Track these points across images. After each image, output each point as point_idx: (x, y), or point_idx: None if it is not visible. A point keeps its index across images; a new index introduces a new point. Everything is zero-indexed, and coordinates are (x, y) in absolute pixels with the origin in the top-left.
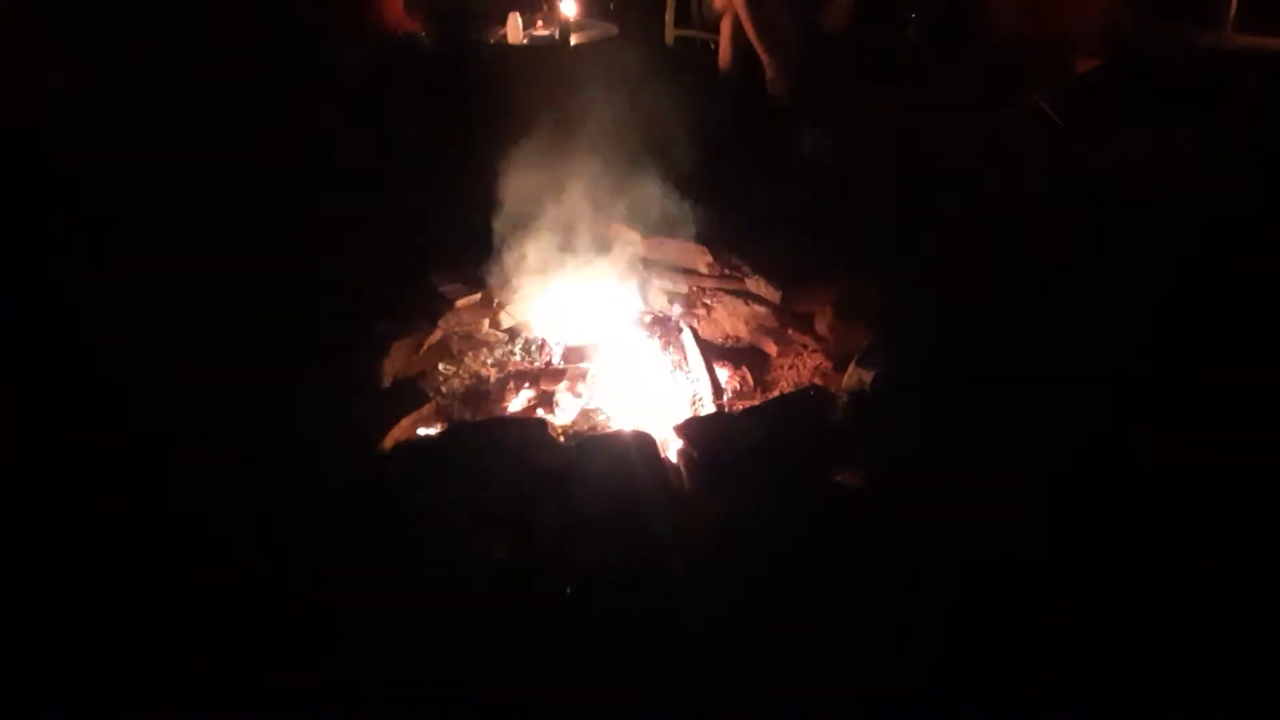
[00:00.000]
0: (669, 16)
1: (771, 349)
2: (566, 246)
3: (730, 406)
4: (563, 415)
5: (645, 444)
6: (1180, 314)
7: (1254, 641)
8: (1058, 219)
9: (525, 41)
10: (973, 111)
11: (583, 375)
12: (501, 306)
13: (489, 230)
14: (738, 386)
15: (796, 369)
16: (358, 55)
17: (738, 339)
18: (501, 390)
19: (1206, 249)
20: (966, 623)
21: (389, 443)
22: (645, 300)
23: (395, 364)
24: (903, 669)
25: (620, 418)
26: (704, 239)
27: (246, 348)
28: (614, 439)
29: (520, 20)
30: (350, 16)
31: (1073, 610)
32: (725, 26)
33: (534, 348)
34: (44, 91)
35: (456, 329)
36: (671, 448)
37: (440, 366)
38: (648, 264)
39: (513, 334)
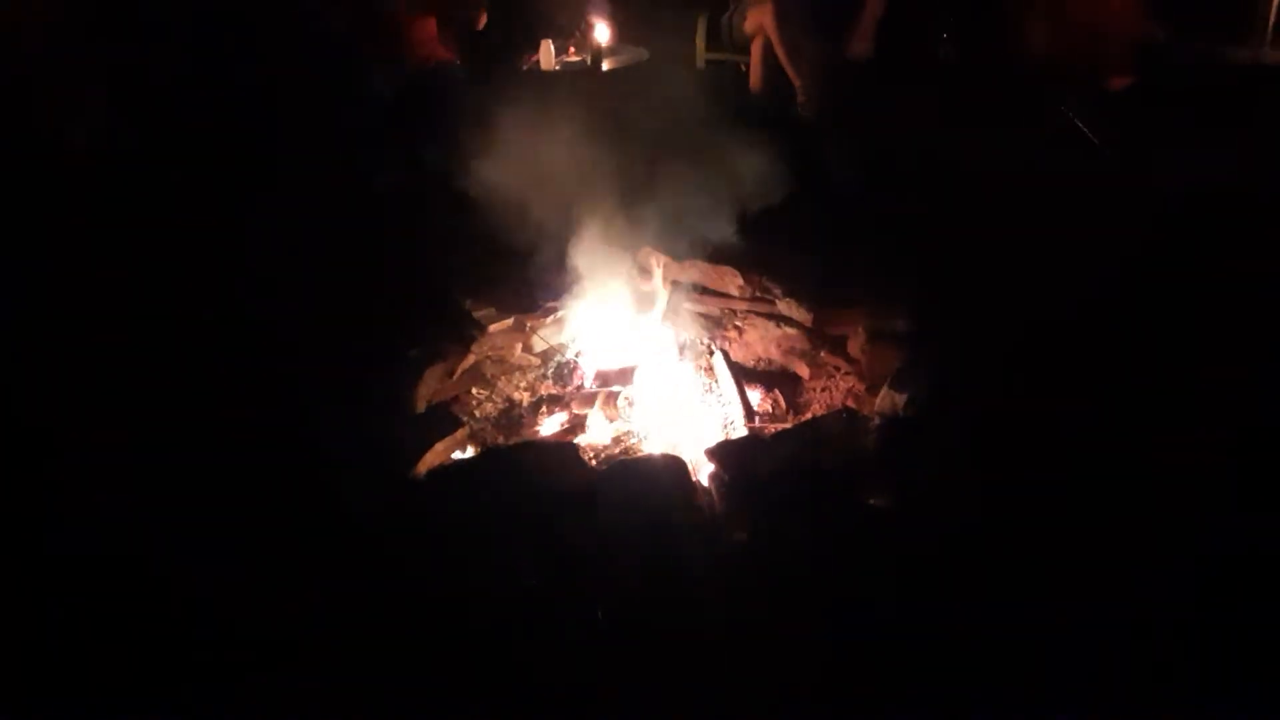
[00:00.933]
0: (700, 40)
1: (804, 371)
2: (598, 270)
3: (762, 429)
4: (595, 438)
5: (676, 467)
6: (1214, 334)
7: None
8: (1092, 238)
9: (558, 68)
10: (1006, 131)
11: (615, 398)
12: (534, 330)
13: (522, 254)
14: (770, 409)
15: (829, 392)
16: (391, 82)
17: (769, 361)
18: (534, 414)
19: (1242, 267)
20: (1002, 647)
21: (423, 467)
22: (677, 323)
23: (429, 389)
24: (937, 694)
25: (652, 441)
26: (735, 261)
27: (281, 374)
28: (645, 462)
29: (552, 47)
30: (383, 44)
31: (1105, 629)
32: (756, 49)
33: (566, 371)
34: (78, 110)
35: (489, 353)
36: (703, 471)
37: (473, 391)
38: (679, 286)
39: (545, 358)
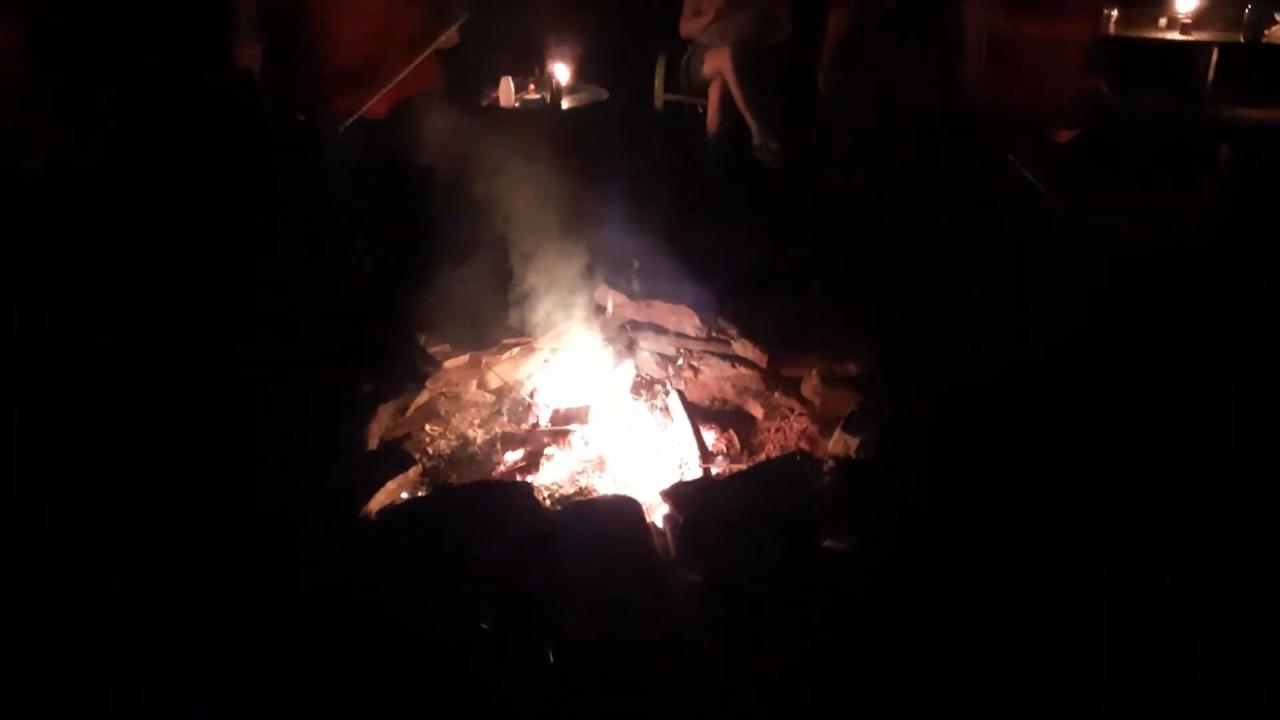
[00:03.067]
0: (658, 81)
1: (758, 412)
2: (554, 308)
3: (717, 471)
4: (550, 478)
5: (631, 510)
6: (1160, 373)
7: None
8: (1040, 283)
9: (517, 105)
10: (956, 178)
11: (569, 438)
12: (489, 368)
13: (477, 292)
14: (724, 449)
15: (783, 432)
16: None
17: (724, 401)
18: (489, 452)
19: (1182, 311)
20: (960, 686)
21: (374, 506)
22: (632, 362)
23: (381, 425)
24: None
25: (607, 481)
26: (691, 301)
27: (229, 409)
28: (600, 504)
29: (512, 84)
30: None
31: (1063, 670)
32: (713, 92)
33: (521, 409)
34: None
35: (444, 390)
36: (658, 512)
37: (427, 428)
38: (635, 326)
39: (500, 395)
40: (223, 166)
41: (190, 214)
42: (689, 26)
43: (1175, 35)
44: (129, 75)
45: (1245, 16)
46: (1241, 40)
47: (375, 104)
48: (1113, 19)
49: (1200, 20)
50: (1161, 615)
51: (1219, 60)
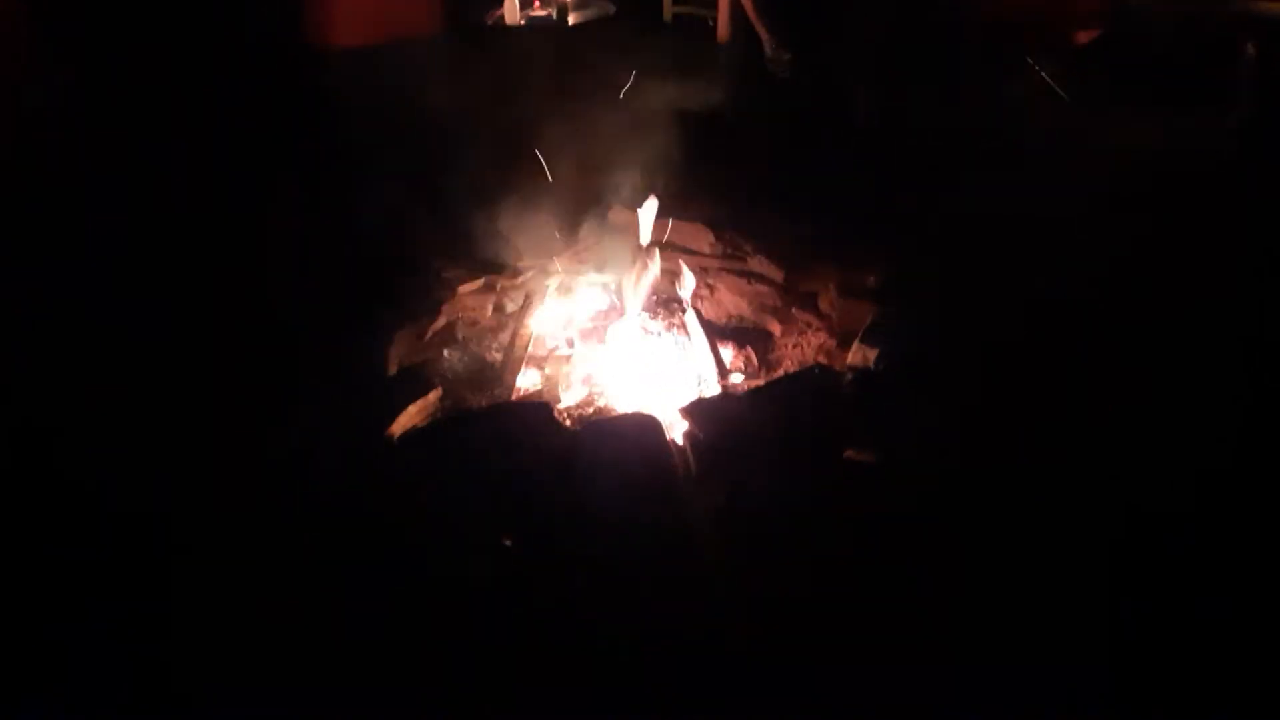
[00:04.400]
0: None
1: (775, 328)
2: (568, 230)
3: (735, 387)
4: (568, 399)
5: (650, 427)
6: (1179, 294)
7: None
8: (1061, 195)
9: (523, 23)
10: (976, 86)
11: (587, 358)
12: (505, 291)
13: (491, 215)
14: (742, 366)
15: (801, 348)
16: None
17: (741, 318)
18: (507, 375)
19: (1208, 226)
20: (982, 601)
21: (395, 430)
22: (649, 281)
23: (400, 351)
24: (917, 652)
25: (626, 400)
26: (706, 219)
27: (250, 337)
28: (619, 422)
29: (517, 1)
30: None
31: (1082, 585)
32: (723, 3)
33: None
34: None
35: (461, 315)
36: (677, 430)
37: (445, 353)
38: (650, 245)
39: (516, 318)
40: (235, 101)
41: (206, 150)
42: None
43: None
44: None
45: None
46: None
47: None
48: None
49: None
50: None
51: None
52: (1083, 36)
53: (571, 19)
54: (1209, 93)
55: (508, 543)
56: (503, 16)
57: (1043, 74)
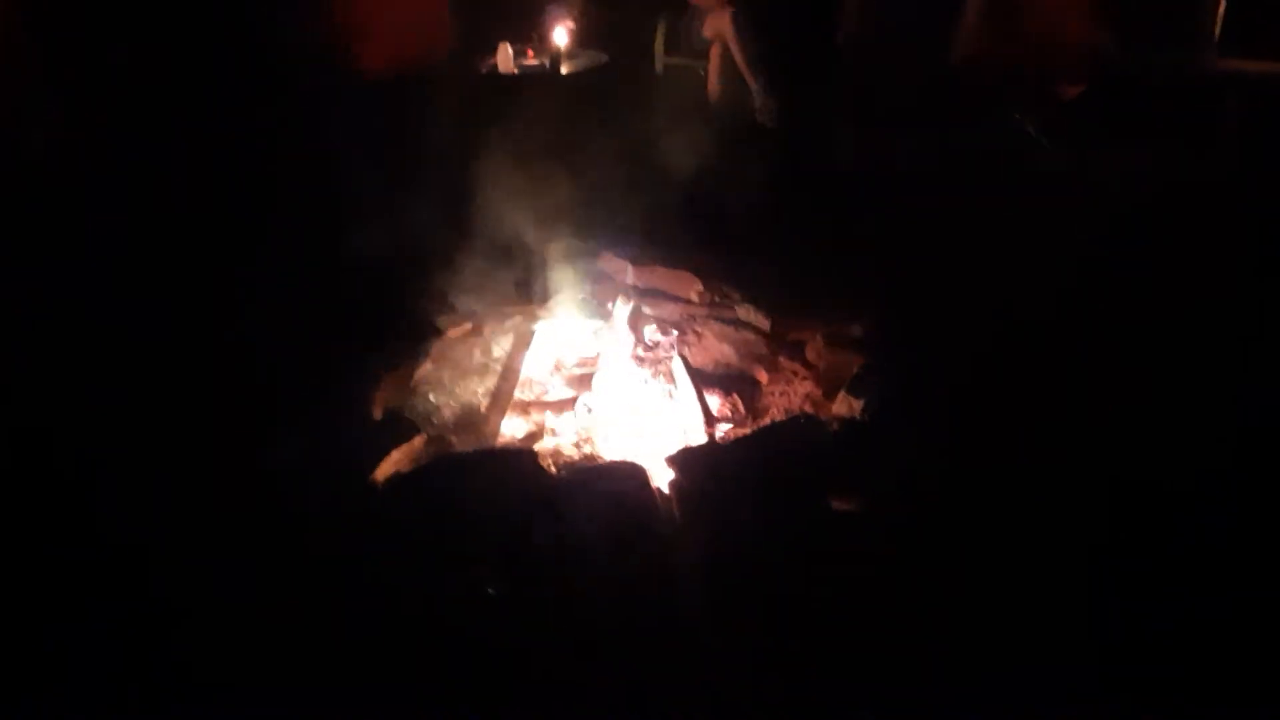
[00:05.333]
0: (659, 45)
1: (762, 376)
2: (557, 275)
3: (721, 435)
4: (554, 445)
5: (636, 475)
6: (1167, 333)
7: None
8: (1046, 243)
9: (516, 71)
10: (961, 135)
11: (574, 404)
12: (493, 335)
13: (480, 259)
14: (729, 414)
15: (787, 396)
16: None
17: (728, 366)
18: (492, 420)
19: (1190, 269)
20: (969, 646)
21: (379, 475)
22: (636, 328)
23: (386, 395)
24: (904, 695)
25: (612, 448)
26: (694, 266)
27: (234, 380)
28: (605, 470)
29: (510, 49)
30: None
31: (1072, 627)
32: (714, 54)
33: (525, 377)
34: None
35: (448, 358)
36: (663, 478)
37: (431, 397)
38: (638, 292)
39: (504, 363)
40: (224, 130)
41: (192, 183)
42: None
43: None
44: (128, 39)
45: None
46: None
47: (378, 62)
48: None
49: None
50: (1160, 575)
51: (1225, 12)
52: (1068, 89)
53: (564, 68)
54: (1190, 146)
55: (491, 591)
56: (496, 64)
57: (1027, 125)
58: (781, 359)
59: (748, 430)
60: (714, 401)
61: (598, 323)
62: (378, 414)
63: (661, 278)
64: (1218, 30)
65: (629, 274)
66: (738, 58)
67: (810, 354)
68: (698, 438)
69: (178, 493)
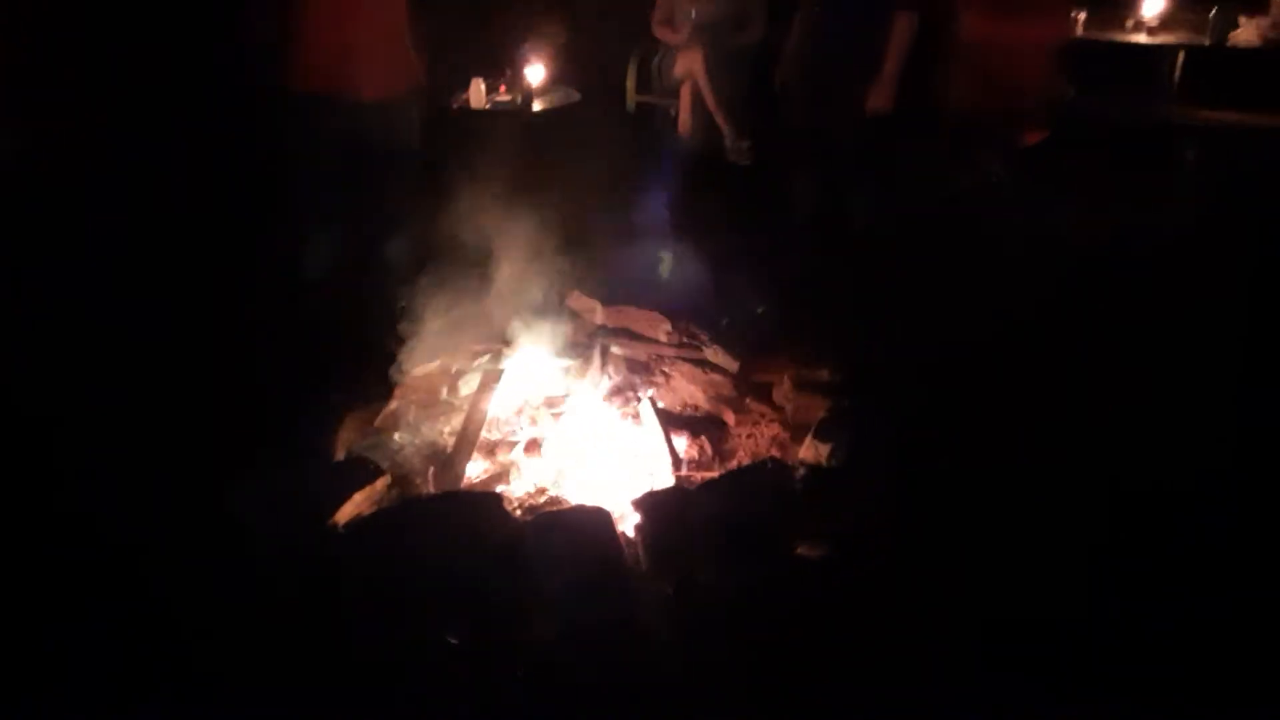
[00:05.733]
0: (630, 83)
1: (730, 418)
2: (525, 314)
3: (688, 478)
4: (519, 487)
5: (601, 520)
6: (1130, 374)
7: None
8: (1009, 286)
9: (488, 106)
10: (925, 181)
11: (540, 446)
12: (459, 375)
13: (447, 298)
14: (696, 456)
15: (754, 438)
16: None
17: (696, 407)
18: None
19: (1148, 311)
20: (936, 691)
21: (341, 518)
22: (604, 369)
23: (349, 435)
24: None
25: (577, 490)
26: (663, 307)
27: (194, 419)
28: (570, 515)
29: (483, 86)
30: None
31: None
32: (685, 93)
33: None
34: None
35: (413, 398)
36: (629, 522)
37: (396, 437)
38: (607, 332)
39: (470, 403)
40: (189, 165)
41: (155, 216)
42: (661, 31)
43: (1141, 38)
44: (91, 71)
45: (1210, 20)
46: (1207, 44)
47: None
48: (1080, 21)
49: (1166, 23)
50: (1135, 615)
51: (1184, 63)
52: (1030, 137)
53: (536, 105)
54: (1151, 193)
55: (453, 640)
56: (468, 101)
57: (988, 171)
58: (749, 400)
59: (715, 473)
60: (681, 443)
61: (565, 362)
62: (340, 454)
63: (630, 317)
64: (1176, 80)
65: (598, 313)
66: (708, 97)
67: (778, 396)
68: (665, 481)
69: (130, 535)
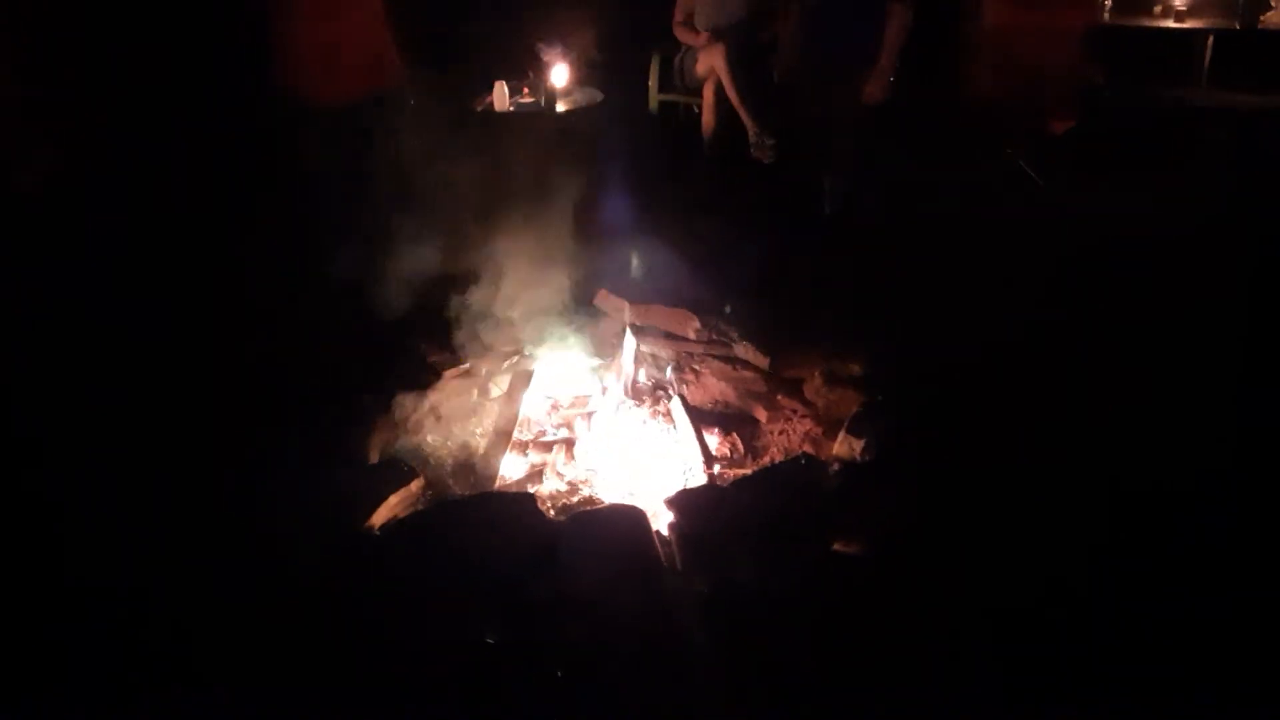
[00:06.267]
0: (653, 82)
1: (761, 414)
2: (554, 314)
3: (721, 476)
4: (553, 488)
5: (634, 519)
6: (1160, 362)
7: None
8: (1041, 275)
9: (511, 109)
10: (956, 172)
11: (573, 445)
12: (490, 376)
13: (477, 299)
14: (728, 453)
15: (787, 434)
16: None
17: (727, 404)
18: (491, 463)
19: (1181, 299)
20: (972, 690)
21: (376, 521)
22: (634, 367)
23: (382, 437)
24: None
25: (611, 489)
26: (692, 304)
27: (229, 423)
28: (604, 514)
29: (506, 88)
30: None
31: (1077, 669)
32: (708, 91)
33: (524, 418)
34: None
35: (445, 399)
36: (662, 520)
37: (429, 439)
38: (636, 330)
39: (502, 404)
40: (213, 173)
41: (181, 224)
42: (681, 32)
43: (1170, 23)
44: (113, 88)
45: (1240, 3)
46: (1237, 27)
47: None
48: (1108, 8)
49: (1195, 8)
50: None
51: (1214, 47)
52: (1059, 126)
53: (560, 106)
54: (1183, 180)
55: (490, 641)
56: (492, 103)
57: (1019, 161)
58: (780, 397)
59: (748, 470)
60: (713, 441)
61: (595, 362)
62: (374, 457)
63: (659, 316)
64: (1206, 65)
65: (627, 312)
66: (731, 95)
67: (809, 392)
68: (697, 478)
69: (165, 543)
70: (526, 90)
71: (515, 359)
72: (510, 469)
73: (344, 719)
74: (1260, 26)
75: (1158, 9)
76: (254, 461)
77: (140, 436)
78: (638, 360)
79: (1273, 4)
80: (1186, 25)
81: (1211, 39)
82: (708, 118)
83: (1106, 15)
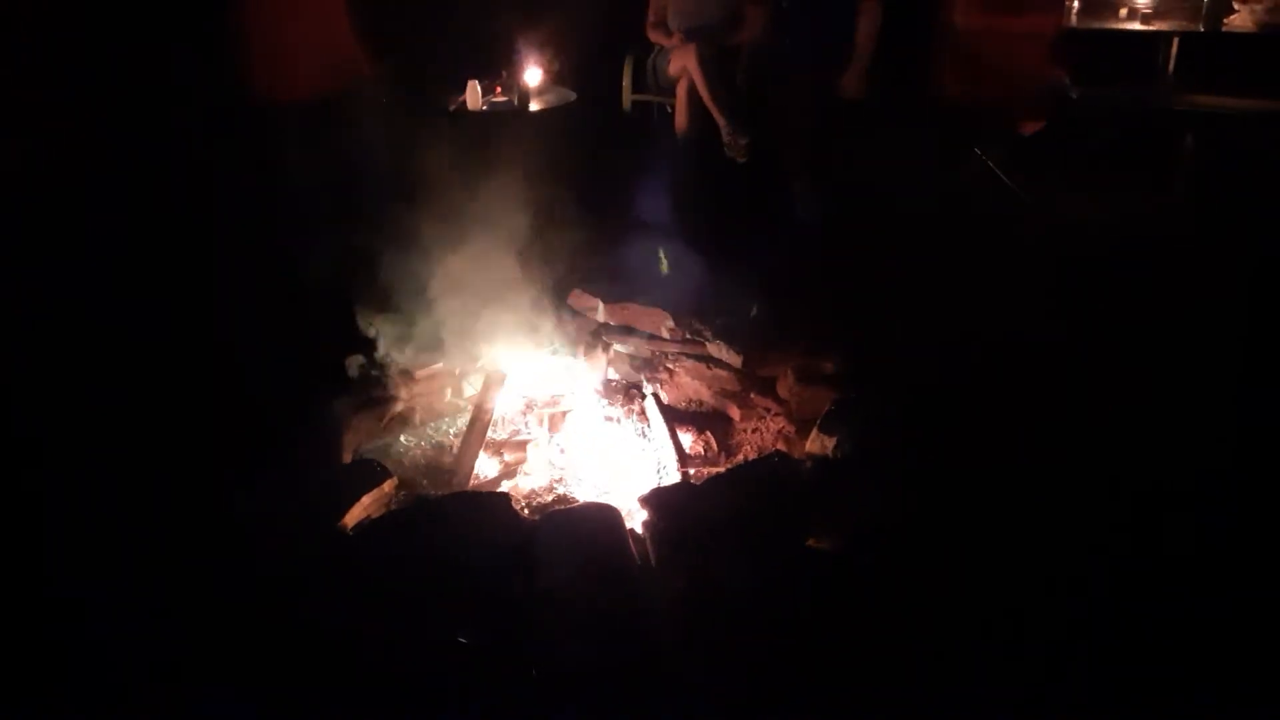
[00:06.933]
0: (626, 82)
1: (735, 413)
2: (527, 313)
3: (695, 474)
4: (527, 487)
5: (609, 517)
6: (1129, 362)
7: None
8: (1010, 275)
9: (484, 108)
10: (927, 172)
11: (545, 444)
12: (463, 376)
13: (449, 299)
14: (702, 452)
15: (760, 433)
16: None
17: (700, 403)
18: (464, 463)
19: (1149, 301)
20: (946, 687)
21: (349, 521)
22: (608, 366)
23: (355, 438)
24: None
25: (585, 488)
26: (665, 304)
27: (198, 424)
28: (578, 512)
29: (479, 87)
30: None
31: (1048, 669)
32: (681, 91)
33: (497, 418)
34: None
35: (418, 400)
36: (637, 519)
37: (402, 439)
38: (610, 329)
39: (474, 403)
40: (183, 171)
41: (152, 222)
42: (654, 34)
43: (1136, 25)
44: (78, 82)
45: (1204, 6)
46: (1201, 29)
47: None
48: (1073, 10)
49: (1160, 10)
50: (1135, 615)
51: (1179, 49)
52: (1028, 127)
53: (533, 105)
54: (1150, 181)
55: (464, 640)
56: (465, 102)
57: (987, 161)
58: (753, 395)
59: (721, 468)
60: (687, 439)
61: (569, 361)
62: (347, 457)
63: (633, 314)
64: (1171, 67)
65: (600, 311)
66: (703, 94)
67: (782, 390)
68: (671, 477)
69: (135, 543)
70: (499, 89)
71: (487, 359)
72: (484, 468)
73: (318, 718)
74: (1224, 29)
75: (1123, 11)
76: (223, 459)
77: (119, 437)
78: (611, 359)
79: (1236, 6)
80: (1152, 27)
81: (1176, 41)
82: (681, 118)
83: (1072, 18)
